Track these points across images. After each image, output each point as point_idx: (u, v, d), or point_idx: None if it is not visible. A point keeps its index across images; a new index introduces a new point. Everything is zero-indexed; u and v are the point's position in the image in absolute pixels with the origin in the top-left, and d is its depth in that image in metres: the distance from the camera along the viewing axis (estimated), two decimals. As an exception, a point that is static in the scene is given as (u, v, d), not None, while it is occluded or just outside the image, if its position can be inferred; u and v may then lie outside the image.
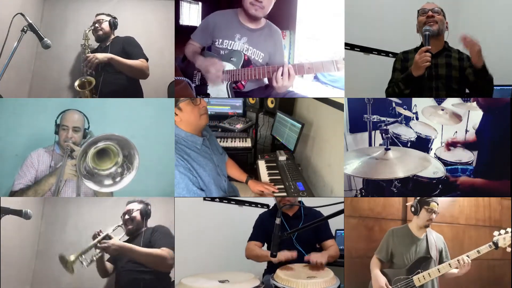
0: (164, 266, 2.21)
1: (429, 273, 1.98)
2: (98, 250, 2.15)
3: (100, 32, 2.81)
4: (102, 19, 2.83)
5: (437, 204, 2.09)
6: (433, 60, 2.23)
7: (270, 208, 2.67)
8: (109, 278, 2.46)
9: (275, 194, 2.52)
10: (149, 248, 2.21)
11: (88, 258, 2.14)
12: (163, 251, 2.20)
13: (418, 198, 2.14)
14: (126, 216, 2.36)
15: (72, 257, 2.09)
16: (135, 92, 2.85)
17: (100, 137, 1.97)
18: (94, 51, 2.83)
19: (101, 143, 1.96)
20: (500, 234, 1.96)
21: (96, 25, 2.81)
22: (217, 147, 2.38)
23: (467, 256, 1.97)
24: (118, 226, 2.33)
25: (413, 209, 2.13)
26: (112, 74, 2.74)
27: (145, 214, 2.40)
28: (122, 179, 2.01)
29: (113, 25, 2.86)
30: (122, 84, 2.76)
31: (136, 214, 2.37)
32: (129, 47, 2.81)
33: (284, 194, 2.53)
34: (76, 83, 2.69)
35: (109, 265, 2.40)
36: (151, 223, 2.47)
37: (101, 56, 2.69)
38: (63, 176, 2.08)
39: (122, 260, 2.33)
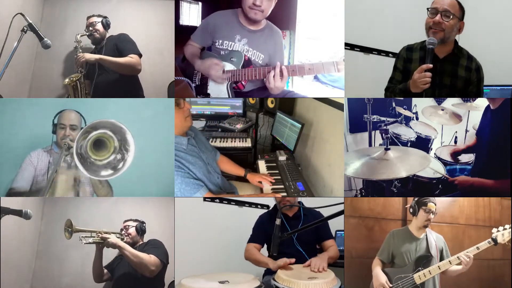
0: (146, 271, 2.32)
1: (429, 271, 1.98)
2: (97, 237, 2.28)
3: (97, 35, 2.84)
4: (95, 21, 2.85)
5: (435, 205, 2.10)
6: (438, 66, 2.09)
7: (270, 209, 2.67)
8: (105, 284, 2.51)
9: (273, 192, 2.53)
10: (138, 252, 2.34)
11: (89, 239, 2.26)
12: (150, 257, 2.34)
13: (416, 198, 2.14)
14: (123, 232, 2.50)
15: (77, 227, 2.23)
16: (132, 88, 2.86)
17: (95, 123, 1.97)
18: (92, 53, 2.84)
19: (97, 131, 1.97)
20: (498, 230, 1.97)
21: (90, 28, 2.83)
22: (205, 145, 2.44)
23: (467, 252, 1.97)
24: (119, 234, 2.44)
25: (411, 210, 2.14)
26: (106, 72, 2.78)
27: (140, 230, 2.54)
28: (124, 163, 2.01)
29: (106, 25, 2.88)
30: (117, 80, 2.78)
31: (132, 231, 2.51)
32: (121, 44, 2.82)
33: (284, 194, 2.53)
34: (66, 81, 2.76)
35: (105, 271, 2.47)
36: (149, 232, 2.57)
37: (88, 55, 2.72)
38: (57, 171, 2.11)
39: (118, 271, 2.43)
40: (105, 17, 2.89)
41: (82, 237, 2.24)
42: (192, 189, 2.14)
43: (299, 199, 2.49)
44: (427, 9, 2.09)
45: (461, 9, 2.10)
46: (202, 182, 2.19)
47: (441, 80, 2.14)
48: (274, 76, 2.32)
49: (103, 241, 2.26)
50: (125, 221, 2.56)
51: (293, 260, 2.08)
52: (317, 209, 2.39)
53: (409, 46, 2.27)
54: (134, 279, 2.36)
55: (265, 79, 2.37)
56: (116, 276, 2.45)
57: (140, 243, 2.52)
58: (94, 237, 2.26)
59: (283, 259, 2.07)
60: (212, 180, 2.30)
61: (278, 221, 1.86)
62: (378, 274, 2.04)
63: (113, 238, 2.26)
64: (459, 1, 2.12)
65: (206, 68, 2.51)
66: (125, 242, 2.38)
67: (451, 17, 2.05)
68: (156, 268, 2.34)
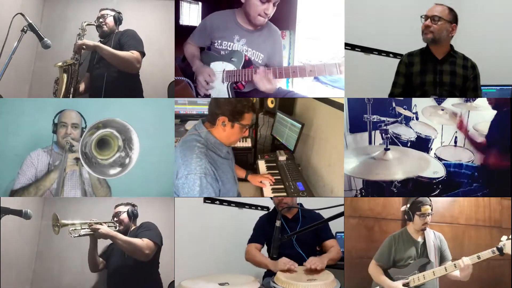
0: (140, 255, 2.32)
1: (424, 275, 1.98)
2: (88, 230, 2.27)
3: (105, 28, 2.73)
4: (107, 14, 2.75)
5: (430, 206, 2.07)
6: (438, 67, 2.33)
7: (269, 210, 2.67)
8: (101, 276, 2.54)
9: (274, 193, 2.53)
10: (130, 237, 2.34)
11: (78, 232, 2.25)
12: (143, 241, 2.33)
13: (408, 205, 2.11)
14: (115, 219, 2.48)
15: (62, 221, 2.21)
16: (130, 86, 2.76)
17: (106, 120, 1.98)
18: None
19: (105, 129, 1.98)
20: (508, 239, 1.85)
21: (101, 20, 2.73)
22: (233, 154, 2.35)
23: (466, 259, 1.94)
24: (111, 222, 2.43)
25: (406, 216, 2.11)
26: (105, 67, 2.67)
27: (132, 215, 2.52)
28: (131, 160, 2.03)
29: (118, 20, 2.77)
30: (115, 76, 2.67)
31: (124, 216, 2.49)
32: (125, 38, 2.71)
33: (284, 194, 2.53)
34: (59, 64, 2.62)
35: (100, 260, 2.49)
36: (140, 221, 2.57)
37: (87, 40, 2.61)
38: (65, 170, 2.13)
39: (112, 257, 2.45)
40: (119, 13, 2.78)
41: (72, 230, 2.21)
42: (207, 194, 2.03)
43: (299, 200, 2.48)
44: (421, 16, 2.33)
45: (451, 13, 2.31)
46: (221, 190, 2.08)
47: (441, 79, 2.34)
48: (260, 80, 2.33)
49: (94, 232, 2.25)
50: (117, 206, 2.55)
51: (296, 265, 2.07)
52: (317, 211, 2.39)
53: (409, 53, 2.45)
54: (129, 266, 2.37)
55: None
56: (110, 263, 2.46)
57: (133, 227, 2.50)
58: (85, 228, 2.24)
59: (283, 260, 2.06)
60: (235, 190, 2.23)
61: (278, 223, 1.85)
62: (392, 285, 2.00)
63: (103, 228, 2.25)
64: (451, 7, 2.34)
65: (198, 73, 2.54)
66: (118, 230, 2.37)
67: (439, 20, 2.28)
68: (150, 251, 2.34)
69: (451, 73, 2.33)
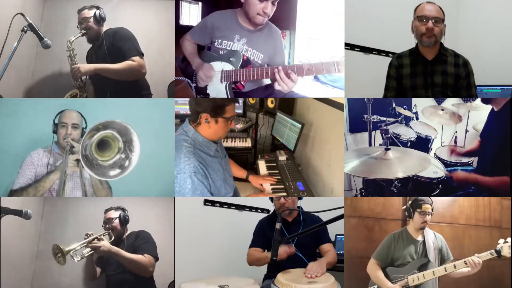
0: (144, 272, 2.32)
1: (423, 275, 1.98)
2: (89, 249, 2.24)
3: (90, 32, 2.62)
4: (87, 17, 2.59)
5: (431, 205, 2.07)
6: (428, 67, 2.27)
7: (269, 213, 2.67)
8: (98, 281, 2.51)
9: (274, 193, 2.53)
10: (133, 254, 2.31)
11: (79, 254, 2.22)
12: (145, 258, 2.31)
13: (410, 201, 2.12)
14: (107, 226, 2.44)
15: (66, 248, 2.16)
16: (137, 87, 2.73)
17: (107, 122, 1.98)
18: (89, 52, 2.76)
19: (106, 131, 1.98)
20: (506, 242, 1.88)
21: (83, 25, 2.61)
22: (224, 151, 2.36)
23: (464, 262, 1.93)
24: (106, 232, 2.40)
25: (406, 213, 2.12)
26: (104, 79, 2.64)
27: (124, 220, 2.47)
28: (130, 162, 2.03)
29: (100, 18, 2.60)
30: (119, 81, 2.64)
31: (116, 223, 2.45)
32: (120, 43, 2.60)
33: (284, 194, 2.53)
34: (68, 95, 2.64)
35: (97, 269, 2.46)
36: (138, 226, 2.55)
37: (84, 69, 2.57)
38: (66, 172, 2.10)
39: (110, 265, 2.42)
40: (98, 8, 2.62)
41: (73, 253, 2.17)
42: (200, 194, 2.02)
43: (299, 203, 2.48)
44: (417, 17, 2.24)
45: (443, 11, 2.25)
46: (215, 191, 2.08)
47: (432, 80, 2.28)
48: (282, 80, 2.29)
49: (95, 250, 2.22)
50: (106, 210, 2.49)
51: (293, 249, 2.11)
52: (316, 213, 2.37)
53: (398, 55, 2.40)
54: (127, 272, 2.34)
55: (274, 83, 2.35)
56: (108, 271, 2.43)
57: (127, 234, 2.47)
58: (85, 248, 2.20)
59: (283, 248, 2.07)
60: (228, 187, 2.20)
61: (278, 225, 1.85)
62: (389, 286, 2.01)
63: (104, 245, 2.21)
64: (439, 5, 2.28)
65: (198, 69, 2.54)
66: (112, 240, 2.34)
67: (440, 22, 2.22)
68: (153, 268, 2.33)
69: (442, 73, 2.26)
